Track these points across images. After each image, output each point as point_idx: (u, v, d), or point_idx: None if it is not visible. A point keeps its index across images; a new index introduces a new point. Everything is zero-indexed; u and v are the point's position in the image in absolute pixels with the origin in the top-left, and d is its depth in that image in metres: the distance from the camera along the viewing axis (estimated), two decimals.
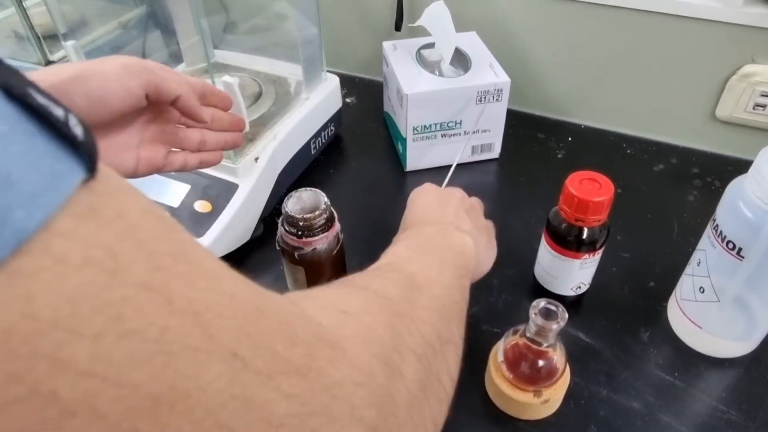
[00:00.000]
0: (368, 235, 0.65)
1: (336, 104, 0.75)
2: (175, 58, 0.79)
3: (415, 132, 0.69)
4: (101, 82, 0.39)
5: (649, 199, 0.69)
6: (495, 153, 0.74)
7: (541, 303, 0.43)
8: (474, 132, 0.70)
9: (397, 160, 0.75)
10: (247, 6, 0.96)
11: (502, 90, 0.67)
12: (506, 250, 0.62)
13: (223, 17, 0.97)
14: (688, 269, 0.51)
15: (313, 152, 0.73)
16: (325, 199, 0.48)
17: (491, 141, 0.72)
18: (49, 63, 0.75)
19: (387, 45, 0.74)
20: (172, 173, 0.62)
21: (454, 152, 0.72)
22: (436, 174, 0.72)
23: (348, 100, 0.86)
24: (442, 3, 0.66)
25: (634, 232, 0.64)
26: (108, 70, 0.40)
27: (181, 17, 0.74)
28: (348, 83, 0.89)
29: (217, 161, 0.51)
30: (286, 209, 0.47)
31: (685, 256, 0.60)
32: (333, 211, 0.49)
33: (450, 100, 0.67)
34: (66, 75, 0.38)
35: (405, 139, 0.69)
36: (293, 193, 0.48)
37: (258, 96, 0.69)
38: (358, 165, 0.75)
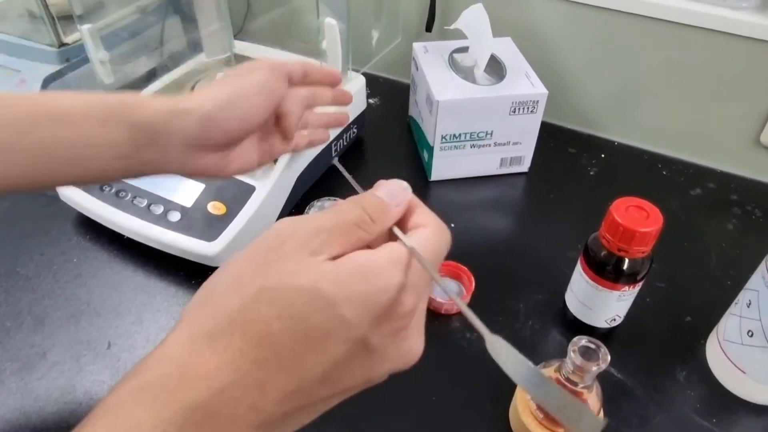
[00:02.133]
0: None
1: (360, 106, 0.72)
2: (194, 46, 0.75)
3: (444, 141, 0.65)
4: (248, 107, 0.40)
5: (686, 225, 0.65)
6: (524, 167, 0.70)
7: (582, 341, 0.40)
8: (504, 144, 0.67)
9: (420, 167, 0.71)
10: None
11: (538, 102, 0.64)
12: (534, 273, 0.59)
13: (245, 5, 0.93)
14: (735, 309, 0.48)
15: (333, 155, 0.69)
16: None
17: (521, 154, 0.69)
18: (62, 45, 0.72)
19: (417, 47, 0.70)
20: None
21: (482, 164, 0.68)
22: (461, 186, 0.69)
23: (371, 101, 0.83)
24: (480, 6, 0.63)
25: (670, 261, 0.60)
26: (253, 92, 0.40)
27: (203, 4, 0.70)
28: (372, 83, 0.85)
29: (324, 139, 0.51)
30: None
31: (724, 289, 0.56)
32: None
33: (483, 109, 0.63)
34: (221, 100, 0.38)
35: (432, 148, 0.66)
36: (315, 202, 0.45)
37: None
38: (378, 171, 0.72)
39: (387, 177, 0.75)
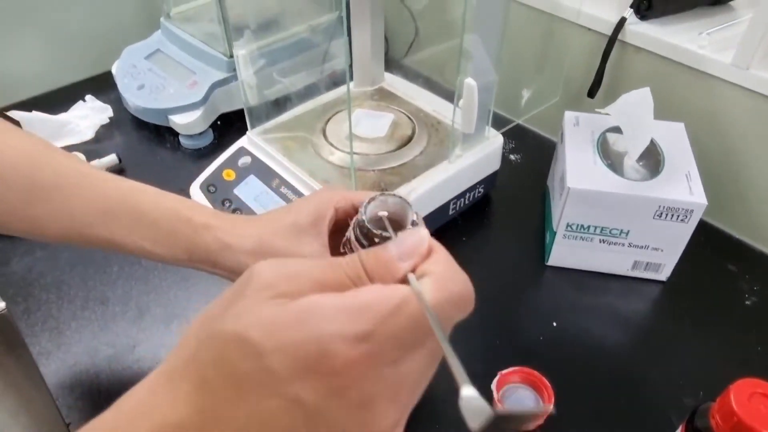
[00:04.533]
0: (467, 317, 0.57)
1: (493, 166, 0.67)
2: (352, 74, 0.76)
3: (569, 229, 0.58)
4: (283, 247, 0.40)
5: None
6: (662, 275, 0.60)
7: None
8: (641, 247, 0.58)
9: (541, 245, 0.65)
10: (436, 29, 0.90)
11: (692, 212, 0.54)
12: (632, 410, 0.50)
13: (413, 30, 0.92)
14: None
15: (450, 213, 0.66)
16: (414, 217, 0.36)
17: (661, 261, 0.59)
18: (233, 56, 0.77)
19: (569, 117, 0.64)
20: None
21: (611, 262, 0.60)
22: (579, 278, 0.62)
23: (513, 157, 0.77)
24: (646, 91, 0.54)
25: None
26: (289, 233, 0.40)
27: (358, 30, 0.70)
28: (518, 135, 0.80)
29: None
30: (364, 216, 0.36)
31: None
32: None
33: (622, 207, 0.55)
34: (255, 241, 0.40)
35: (555, 233, 0.59)
36: (378, 195, 0.37)
37: (407, 140, 0.64)
38: (495, 238, 0.67)
39: (501, 248, 0.67)
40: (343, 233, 0.39)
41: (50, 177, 0.39)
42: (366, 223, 0.35)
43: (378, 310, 0.21)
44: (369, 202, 0.36)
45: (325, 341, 0.20)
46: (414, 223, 0.35)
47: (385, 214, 0.36)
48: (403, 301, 0.21)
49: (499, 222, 0.69)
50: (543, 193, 0.71)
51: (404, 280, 0.23)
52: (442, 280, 0.23)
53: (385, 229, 0.35)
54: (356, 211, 0.40)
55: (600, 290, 0.61)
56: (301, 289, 0.22)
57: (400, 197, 0.36)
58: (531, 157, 0.77)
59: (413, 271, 0.24)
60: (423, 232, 0.25)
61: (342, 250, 0.38)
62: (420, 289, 0.21)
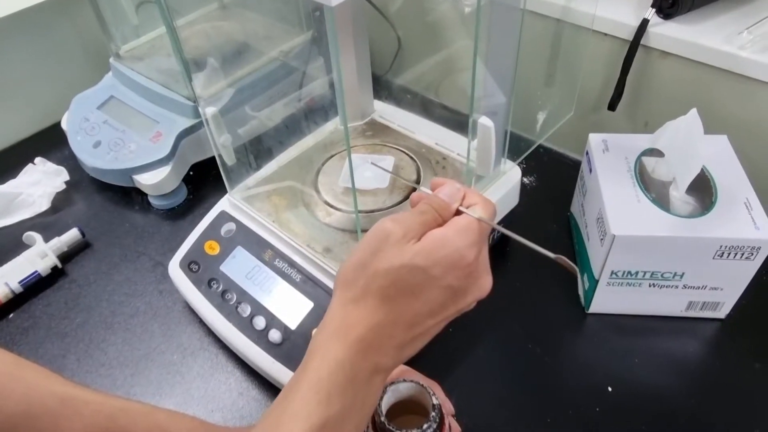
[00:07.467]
0: (511, 395, 0.49)
1: (511, 203, 0.59)
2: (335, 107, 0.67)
3: (614, 276, 0.51)
4: None
5: None
6: (721, 313, 0.53)
7: None
8: (698, 288, 0.51)
9: (574, 286, 0.57)
10: (420, 37, 0.80)
11: (759, 249, 0.46)
12: None
13: (395, 42, 0.83)
14: None
15: None
16: (435, 401, 0.36)
17: (720, 300, 0.52)
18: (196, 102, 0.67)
19: (595, 141, 0.56)
20: (298, 281, 0.51)
21: (661, 304, 0.53)
22: (626, 324, 0.55)
23: (526, 179, 0.69)
24: (693, 114, 0.46)
25: None
26: None
27: (343, 58, 0.60)
28: (529, 155, 0.71)
29: None
30: (383, 417, 0.36)
31: None
32: (443, 415, 0.36)
33: (676, 249, 0.47)
34: None
35: (596, 281, 0.52)
36: (388, 386, 0.37)
37: (412, 187, 0.55)
38: (521, 284, 0.59)
39: (530, 297, 0.59)
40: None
41: (18, 406, 0.32)
42: (387, 426, 0.35)
43: (472, 228, 0.34)
44: (381, 398, 0.36)
45: (460, 251, 0.32)
46: (434, 407, 0.36)
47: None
48: (476, 222, 0.34)
49: (521, 262, 0.61)
50: (568, 221, 0.64)
51: (457, 213, 0.36)
52: (485, 206, 0.35)
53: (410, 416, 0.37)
54: None
55: (649, 334, 0.54)
56: (417, 232, 0.33)
57: (411, 381, 0.38)
58: (546, 178, 0.69)
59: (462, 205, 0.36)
60: (457, 185, 0.37)
61: None
62: (480, 215, 0.34)
